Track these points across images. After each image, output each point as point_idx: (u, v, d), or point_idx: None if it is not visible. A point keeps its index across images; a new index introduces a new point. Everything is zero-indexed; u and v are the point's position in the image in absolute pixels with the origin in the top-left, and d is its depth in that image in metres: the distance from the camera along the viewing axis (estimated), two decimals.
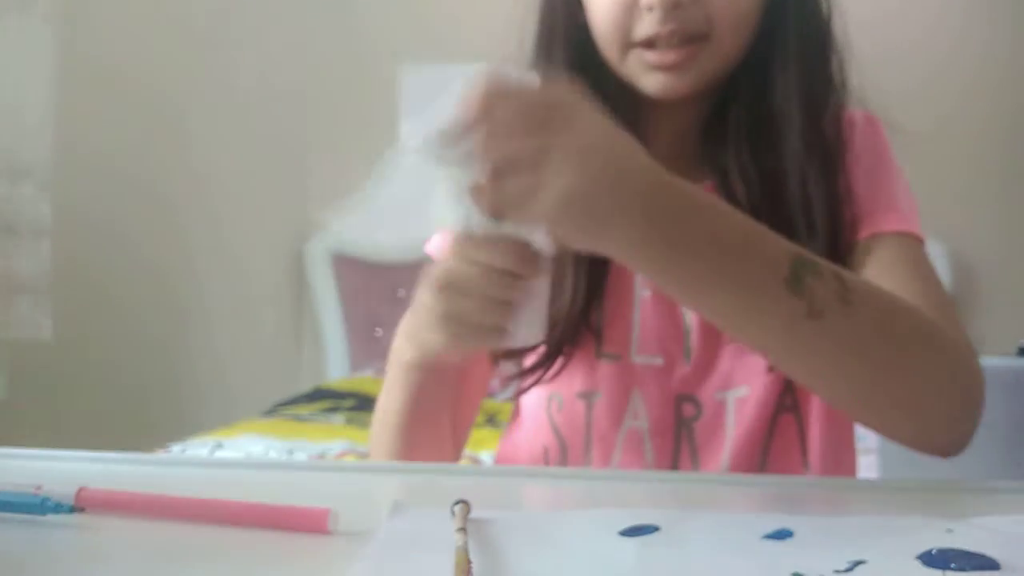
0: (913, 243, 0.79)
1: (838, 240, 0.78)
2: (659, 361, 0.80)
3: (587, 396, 0.80)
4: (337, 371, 2.77)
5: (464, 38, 2.46)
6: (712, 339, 0.80)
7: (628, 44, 0.77)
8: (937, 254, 2.58)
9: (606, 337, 0.80)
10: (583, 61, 0.80)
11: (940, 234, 2.54)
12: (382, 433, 0.79)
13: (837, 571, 0.41)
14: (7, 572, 0.41)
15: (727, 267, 0.56)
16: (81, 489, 0.49)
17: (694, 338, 0.80)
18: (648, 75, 0.77)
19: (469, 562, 0.39)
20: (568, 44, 0.81)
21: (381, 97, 3.10)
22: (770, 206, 0.78)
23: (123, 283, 2.37)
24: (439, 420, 0.80)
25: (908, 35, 2.44)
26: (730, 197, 0.81)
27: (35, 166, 1.98)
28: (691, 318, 0.80)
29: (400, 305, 0.72)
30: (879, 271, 0.73)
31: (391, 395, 0.77)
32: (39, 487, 0.49)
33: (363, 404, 2.30)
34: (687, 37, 0.75)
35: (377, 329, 2.73)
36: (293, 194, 2.79)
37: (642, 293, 0.81)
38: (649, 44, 0.76)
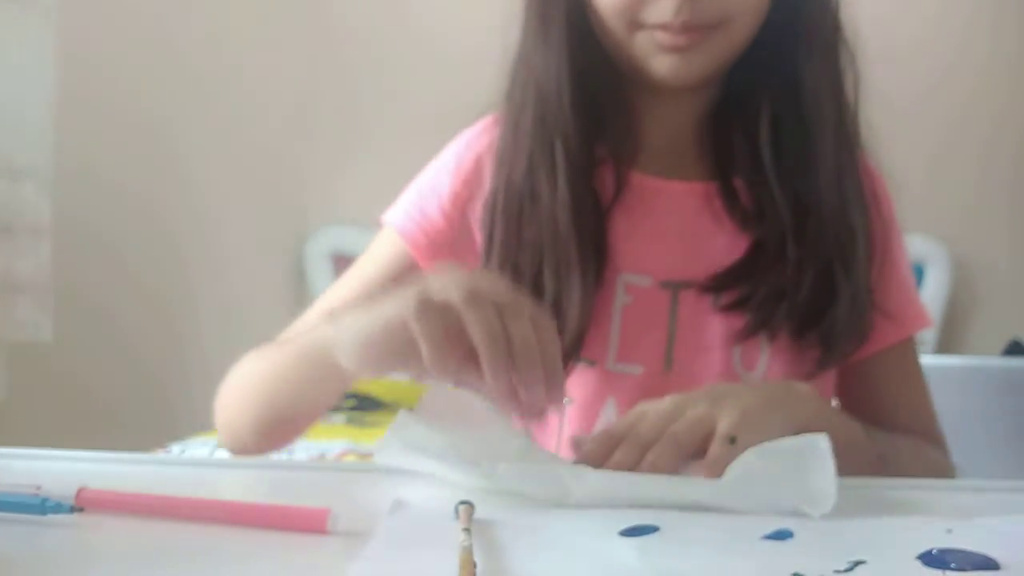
0: (913, 345, 0.88)
1: (866, 243, 0.80)
2: (638, 370, 0.79)
3: None
4: None
5: (462, 37, 2.46)
6: (697, 349, 0.79)
7: (636, 25, 0.75)
8: (937, 254, 2.58)
9: (584, 342, 0.78)
10: (582, 41, 0.78)
11: (940, 234, 2.53)
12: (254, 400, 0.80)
13: (837, 571, 0.41)
14: (7, 572, 0.41)
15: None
16: (81, 489, 0.49)
17: (677, 347, 0.79)
18: (657, 57, 0.75)
19: (474, 563, 0.39)
20: (566, 22, 0.78)
21: (382, 96, 3.10)
22: (795, 214, 0.78)
23: (123, 283, 2.37)
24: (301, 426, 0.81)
25: (910, 35, 2.44)
26: (733, 203, 0.81)
27: (35, 166, 1.98)
28: (676, 326, 0.79)
29: None
30: (896, 384, 0.87)
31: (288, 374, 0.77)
32: (39, 487, 0.49)
33: (363, 404, 2.30)
34: (700, 25, 0.73)
35: None
36: (293, 194, 2.78)
37: (624, 300, 0.79)
38: (661, 26, 0.74)
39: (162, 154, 2.52)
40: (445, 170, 0.86)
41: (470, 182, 0.84)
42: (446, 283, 0.58)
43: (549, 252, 0.77)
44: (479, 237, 0.83)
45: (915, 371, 0.88)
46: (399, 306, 0.58)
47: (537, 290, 0.77)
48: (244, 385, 0.81)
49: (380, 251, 0.88)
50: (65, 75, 2.05)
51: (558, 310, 0.76)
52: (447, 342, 0.56)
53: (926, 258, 2.57)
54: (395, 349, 0.58)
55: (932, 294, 2.55)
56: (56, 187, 2.03)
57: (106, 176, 2.32)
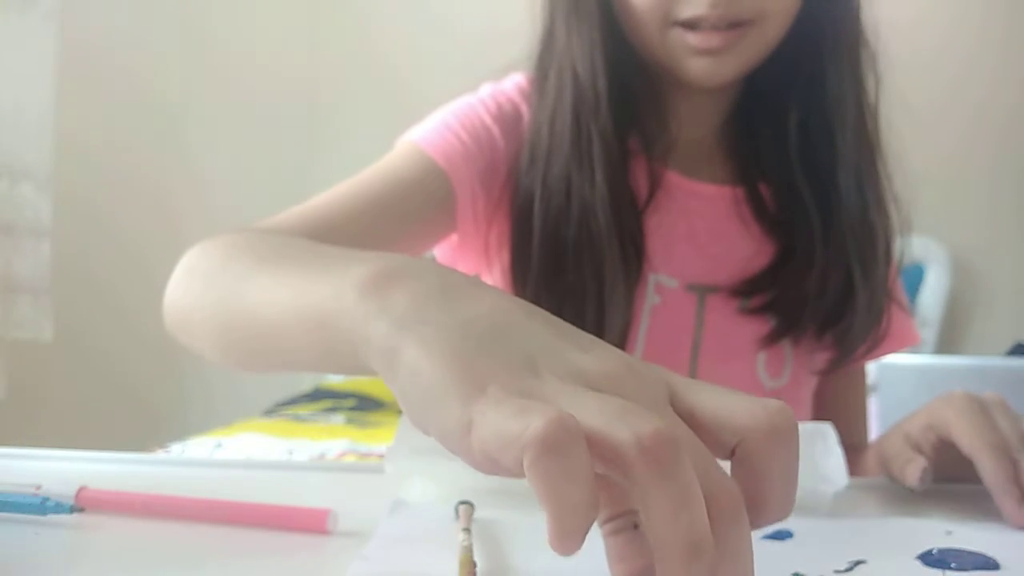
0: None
1: (885, 244, 0.81)
2: None
3: None
4: None
5: (469, 38, 2.46)
6: (722, 354, 0.79)
7: (669, 23, 0.73)
8: (937, 254, 2.58)
9: (609, 342, 0.75)
10: (614, 34, 0.76)
11: (940, 234, 2.54)
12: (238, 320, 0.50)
13: (837, 571, 0.41)
14: (7, 572, 0.41)
15: None
16: (81, 489, 0.49)
17: (703, 352, 0.79)
18: (690, 59, 0.74)
19: (474, 563, 0.39)
20: (599, 13, 0.76)
21: (384, 95, 3.08)
22: (822, 218, 0.78)
23: (123, 283, 2.37)
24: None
25: (921, 41, 2.44)
26: (761, 208, 0.81)
27: (35, 166, 1.98)
28: (703, 331, 0.79)
29: None
30: (856, 394, 0.91)
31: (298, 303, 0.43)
32: (39, 487, 0.49)
33: (363, 404, 2.30)
34: (734, 21, 0.72)
35: None
36: (293, 193, 2.79)
37: (654, 300, 0.79)
38: (691, 25, 0.72)
39: (163, 153, 2.52)
40: (484, 109, 0.81)
41: (507, 129, 0.80)
42: (581, 364, 0.35)
43: (589, 249, 0.75)
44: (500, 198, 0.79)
45: (864, 382, 0.92)
46: (512, 389, 0.32)
47: (579, 288, 0.75)
48: (222, 304, 0.53)
49: (403, 170, 0.77)
50: (65, 75, 2.05)
51: (601, 309, 0.74)
52: (592, 505, 0.30)
53: (926, 258, 2.57)
54: (486, 459, 0.32)
55: (932, 294, 2.55)
56: (56, 187, 2.03)
57: (106, 176, 2.32)
